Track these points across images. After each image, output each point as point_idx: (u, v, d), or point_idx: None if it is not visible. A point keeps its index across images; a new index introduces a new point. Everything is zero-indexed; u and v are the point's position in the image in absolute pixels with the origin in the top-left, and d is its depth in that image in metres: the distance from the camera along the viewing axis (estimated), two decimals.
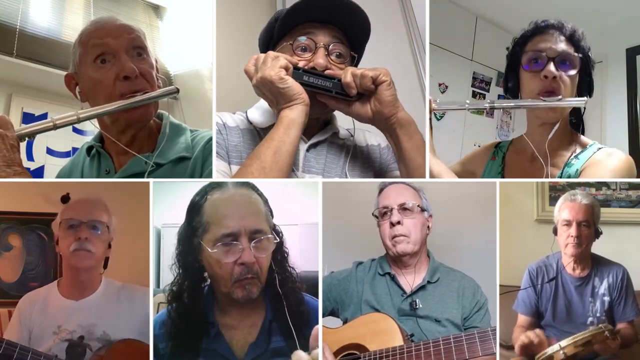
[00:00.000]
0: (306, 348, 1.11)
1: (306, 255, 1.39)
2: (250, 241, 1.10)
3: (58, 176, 1.51)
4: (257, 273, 1.11)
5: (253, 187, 1.17)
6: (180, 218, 1.19)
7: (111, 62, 1.27)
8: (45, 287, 1.37)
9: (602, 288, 1.44)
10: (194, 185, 1.21)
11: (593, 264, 1.46)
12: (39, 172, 2.54)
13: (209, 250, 1.11)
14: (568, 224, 1.43)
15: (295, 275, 1.19)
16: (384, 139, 1.32)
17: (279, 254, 1.18)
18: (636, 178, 1.33)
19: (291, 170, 1.23)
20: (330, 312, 1.43)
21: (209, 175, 1.25)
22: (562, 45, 1.31)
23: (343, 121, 1.36)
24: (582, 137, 1.37)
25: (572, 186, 1.58)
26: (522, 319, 1.47)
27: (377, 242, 1.45)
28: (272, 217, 1.18)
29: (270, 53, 1.18)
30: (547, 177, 1.33)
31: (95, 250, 1.32)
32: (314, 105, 1.20)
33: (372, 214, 1.43)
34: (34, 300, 1.33)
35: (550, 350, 1.27)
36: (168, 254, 1.21)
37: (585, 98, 1.30)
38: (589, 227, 1.43)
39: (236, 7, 2.39)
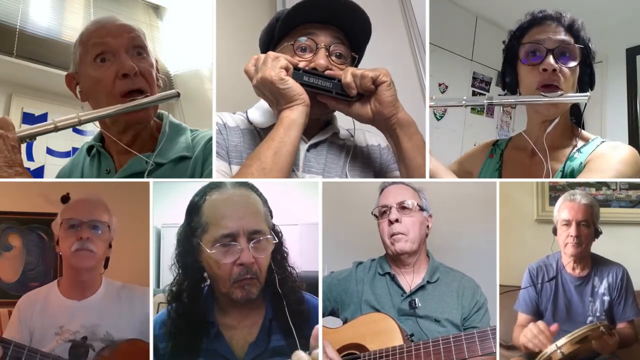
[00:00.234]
0: (306, 346, 1.11)
1: (306, 255, 1.39)
2: (249, 242, 1.11)
3: (58, 176, 1.51)
4: (256, 273, 1.11)
5: (252, 188, 1.17)
6: (180, 218, 1.19)
7: (111, 60, 1.28)
8: (44, 287, 1.37)
9: (602, 288, 1.44)
10: (194, 186, 1.21)
11: (593, 264, 1.46)
12: (39, 172, 2.54)
13: (208, 250, 1.11)
14: (567, 223, 1.43)
15: (295, 275, 1.19)
16: (384, 139, 1.32)
17: (279, 254, 1.18)
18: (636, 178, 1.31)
19: (291, 171, 1.23)
20: (330, 312, 1.43)
21: (209, 175, 1.25)
22: (560, 36, 1.27)
23: (343, 121, 1.36)
24: (583, 131, 1.34)
25: (572, 186, 1.58)
26: (523, 318, 1.47)
27: (377, 242, 1.46)
28: (272, 217, 1.18)
29: (271, 53, 1.18)
30: (547, 171, 1.30)
31: (96, 250, 1.32)
32: (314, 105, 1.20)
33: (372, 213, 1.43)
34: (34, 300, 1.33)
35: (548, 350, 1.27)
36: (168, 254, 1.21)
37: (588, 93, 1.27)
38: (588, 226, 1.43)
39: (236, 7, 2.39)
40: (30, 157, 2.50)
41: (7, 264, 1.65)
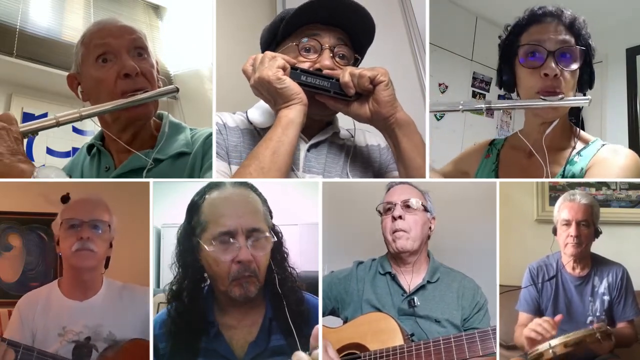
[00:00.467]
0: (306, 346, 1.11)
1: (306, 255, 1.39)
2: (247, 239, 1.11)
3: None
4: (255, 272, 1.11)
5: (252, 187, 1.17)
6: (180, 218, 1.19)
7: (112, 61, 1.29)
8: (45, 287, 1.36)
9: (602, 287, 1.44)
10: (194, 185, 1.22)
11: (593, 264, 1.46)
12: None
13: (207, 248, 1.11)
14: (567, 223, 1.43)
15: (295, 275, 1.19)
16: (383, 139, 1.33)
17: (279, 254, 1.18)
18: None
19: (291, 170, 1.23)
20: (330, 311, 1.43)
21: (209, 169, 1.25)
22: (561, 36, 1.22)
23: (343, 121, 1.36)
24: (582, 132, 1.32)
25: (572, 186, 1.57)
26: (524, 317, 1.47)
27: (377, 242, 1.46)
28: (271, 217, 1.18)
29: (268, 53, 1.18)
30: (546, 174, 1.29)
31: (97, 249, 1.32)
32: (312, 105, 1.20)
33: (376, 208, 1.44)
34: (35, 301, 1.33)
35: (540, 348, 1.27)
36: (168, 254, 1.22)
37: (589, 97, 1.24)
38: (588, 226, 1.43)
39: (236, 7, 2.39)
40: (30, 157, 2.47)
41: (7, 264, 1.65)
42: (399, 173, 1.28)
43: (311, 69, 1.21)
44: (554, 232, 1.47)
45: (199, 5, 2.73)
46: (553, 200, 1.70)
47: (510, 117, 2.57)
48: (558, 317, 1.30)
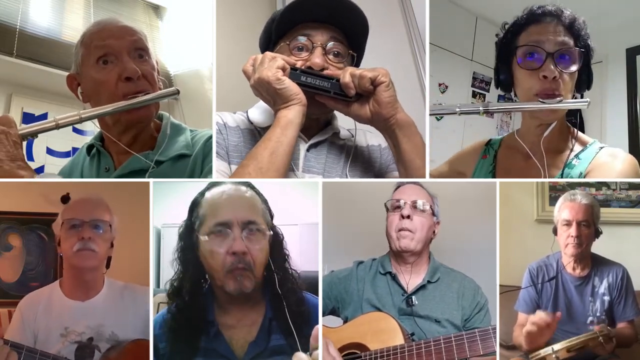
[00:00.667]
0: (306, 346, 1.11)
1: (306, 255, 1.39)
2: (243, 231, 1.12)
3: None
4: (249, 264, 1.11)
5: (251, 187, 1.18)
6: (180, 218, 1.20)
7: (113, 63, 1.28)
8: (46, 287, 1.36)
9: (602, 287, 1.44)
10: (194, 185, 1.22)
11: (593, 264, 1.46)
12: (38, 172, 2.53)
13: (203, 240, 1.13)
14: (568, 223, 1.43)
15: (296, 276, 1.19)
16: (384, 139, 1.32)
17: (279, 254, 1.18)
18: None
19: (290, 170, 1.23)
20: (330, 310, 1.43)
21: (209, 172, 1.25)
22: (561, 37, 1.20)
23: (344, 121, 1.36)
24: (580, 133, 1.31)
25: (572, 186, 1.57)
26: (523, 317, 1.46)
27: (378, 242, 1.46)
28: (272, 217, 1.19)
29: (268, 54, 1.18)
30: (544, 176, 1.28)
31: (98, 249, 1.32)
32: (312, 105, 1.20)
33: (385, 204, 1.43)
34: (37, 301, 1.33)
35: (543, 352, 1.27)
36: (168, 254, 1.22)
37: (587, 99, 1.23)
38: (588, 226, 1.43)
39: (236, 7, 2.39)
40: (30, 157, 2.50)
41: (7, 264, 1.65)
42: (399, 174, 1.28)
43: (303, 68, 1.21)
44: (554, 232, 1.47)
45: (199, 5, 2.73)
46: (553, 200, 1.70)
47: (510, 117, 2.57)
48: (558, 314, 1.30)
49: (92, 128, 1.41)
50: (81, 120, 1.26)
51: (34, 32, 2.59)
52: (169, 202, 1.50)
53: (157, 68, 1.36)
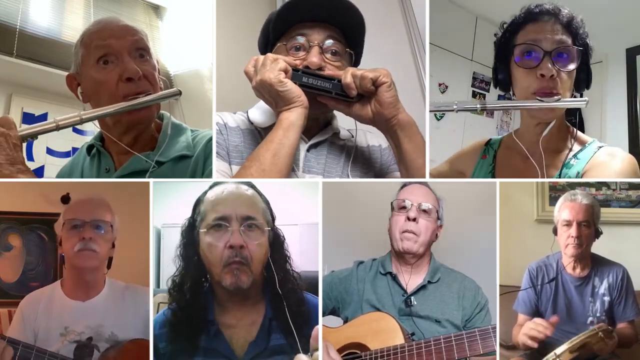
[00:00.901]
0: (307, 346, 1.11)
1: (306, 255, 1.40)
2: (241, 226, 1.13)
3: (58, 176, 1.51)
4: (247, 259, 1.12)
5: (253, 187, 1.19)
6: (180, 218, 1.21)
7: (114, 63, 1.27)
8: (47, 287, 1.37)
9: (602, 288, 1.44)
10: (194, 185, 1.22)
11: (593, 264, 1.46)
12: (39, 172, 2.54)
13: (202, 233, 1.14)
14: (568, 224, 1.43)
15: (297, 277, 1.20)
16: (385, 139, 1.32)
17: (280, 255, 1.19)
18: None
19: (291, 171, 1.23)
20: (330, 310, 1.43)
21: (210, 174, 1.25)
22: (558, 36, 1.20)
23: (344, 122, 1.36)
24: (579, 133, 1.30)
25: (572, 186, 1.57)
26: (522, 318, 1.47)
27: (378, 242, 1.46)
28: (273, 219, 1.20)
29: (270, 55, 1.18)
30: (542, 176, 1.28)
31: (99, 250, 1.32)
32: (314, 105, 1.20)
33: (391, 203, 1.43)
34: (38, 301, 1.33)
35: (547, 357, 1.26)
36: (168, 254, 1.22)
37: (586, 98, 1.22)
38: (589, 227, 1.42)
39: (236, 7, 2.39)
40: (30, 157, 2.50)
41: (7, 264, 1.65)
42: (400, 174, 1.28)
43: (301, 67, 1.21)
44: (555, 232, 1.47)
45: (199, 5, 2.73)
46: (553, 201, 1.70)
47: (511, 118, 2.57)
48: (554, 318, 1.30)
49: (93, 128, 1.40)
50: (81, 122, 1.25)
51: (34, 32, 2.59)
52: (169, 202, 1.50)
53: (158, 68, 1.35)
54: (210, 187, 1.19)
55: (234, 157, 1.26)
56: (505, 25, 1.30)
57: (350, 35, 1.28)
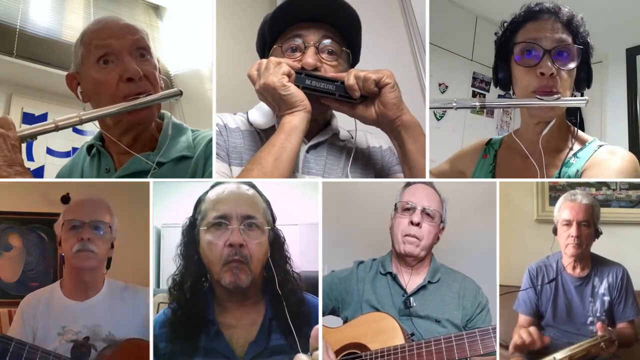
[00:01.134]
0: (306, 346, 1.11)
1: (306, 255, 1.40)
2: (241, 225, 1.14)
3: (58, 176, 1.51)
4: (246, 257, 1.12)
5: (254, 187, 1.20)
6: (180, 218, 1.21)
7: (114, 62, 1.26)
8: (47, 287, 1.37)
9: (602, 288, 1.44)
10: (194, 185, 1.23)
11: (593, 264, 1.46)
12: (39, 172, 2.54)
13: (203, 231, 1.15)
14: (568, 223, 1.43)
15: (297, 278, 1.20)
16: (385, 140, 1.32)
17: (280, 256, 1.19)
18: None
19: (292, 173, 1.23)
20: (330, 310, 1.43)
21: (210, 176, 1.25)
22: (558, 34, 1.20)
23: (345, 121, 1.36)
24: (579, 132, 1.30)
25: (572, 186, 1.57)
26: (523, 318, 1.47)
27: (378, 242, 1.46)
28: (274, 220, 1.20)
29: (273, 59, 1.18)
30: (542, 176, 1.27)
31: (97, 250, 1.32)
32: (317, 107, 1.20)
33: (395, 204, 1.42)
34: (37, 300, 1.33)
35: None
36: (168, 254, 1.22)
37: (586, 97, 1.22)
38: (589, 227, 1.42)
39: (236, 7, 2.39)
40: (30, 157, 2.50)
41: (7, 264, 1.65)
42: (403, 174, 1.28)
43: (308, 71, 1.21)
44: (554, 232, 1.47)
45: (199, 5, 2.73)
46: (553, 200, 1.70)
47: (510, 117, 2.57)
48: (547, 339, 1.31)
49: (93, 128, 1.40)
50: (81, 122, 1.24)
51: (34, 32, 2.59)
52: (169, 203, 1.50)
53: (158, 67, 1.34)
54: (212, 187, 1.20)
55: (234, 158, 1.26)
56: (505, 24, 1.30)
57: (346, 34, 1.27)
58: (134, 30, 1.31)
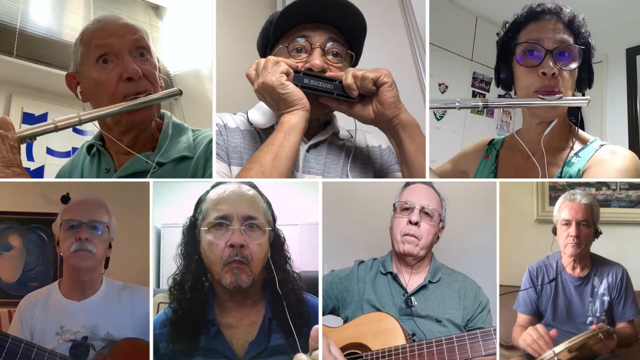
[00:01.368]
0: (307, 345, 1.11)
1: (306, 255, 1.40)
2: (242, 225, 1.13)
3: (58, 175, 1.51)
4: (247, 258, 1.12)
5: (255, 187, 1.20)
6: (180, 218, 1.21)
7: (114, 62, 1.26)
8: (45, 287, 1.37)
9: (602, 288, 1.44)
10: (194, 185, 1.23)
11: (592, 264, 1.46)
12: (39, 172, 2.54)
13: (204, 232, 1.14)
14: (567, 223, 1.43)
15: (297, 278, 1.20)
16: (384, 140, 1.32)
17: (281, 256, 1.19)
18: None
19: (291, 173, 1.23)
20: (331, 310, 1.43)
21: (210, 177, 1.25)
22: (560, 35, 1.21)
23: (345, 121, 1.36)
24: (581, 131, 1.30)
25: (572, 186, 1.57)
26: (522, 318, 1.47)
27: (378, 242, 1.46)
28: (274, 220, 1.20)
29: (271, 58, 1.18)
30: (543, 176, 1.28)
31: (95, 250, 1.32)
32: (315, 106, 1.20)
33: (393, 204, 1.42)
34: (35, 301, 1.33)
35: (546, 356, 1.26)
36: (168, 254, 1.22)
37: (588, 97, 1.22)
38: (588, 226, 1.42)
39: (236, 7, 2.40)
40: (30, 157, 2.50)
41: (7, 264, 1.65)
42: (402, 174, 1.28)
43: (303, 69, 1.21)
44: (554, 232, 1.47)
45: (199, 5, 2.73)
46: (553, 200, 1.70)
47: (510, 117, 2.57)
48: (553, 333, 1.30)
49: (93, 128, 1.40)
50: (80, 122, 1.24)
51: (34, 32, 2.59)
52: (169, 202, 1.50)
53: (158, 66, 1.34)
54: (213, 187, 1.19)
55: (234, 158, 1.26)
56: (507, 24, 1.30)
57: (352, 38, 1.28)
58: (133, 29, 1.30)
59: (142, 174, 1.30)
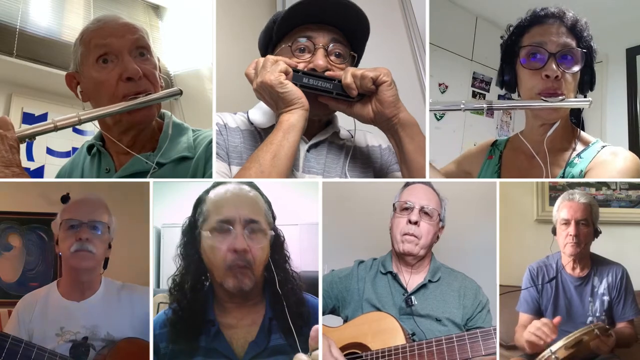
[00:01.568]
0: (307, 345, 1.11)
1: (306, 255, 1.40)
2: (245, 229, 1.13)
3: (58, 175, 1.51)
4: (250, 262, 1.12)
5: (255, 187, 1.19)
6: (180, 218, 1.20)
7: (114, 62, 1.26)
8: (44, 288, 1.36)
9: (602, 287, 1.44)
10: (194, 185, 1.22)
11: (592, 264, 1.46)
12: (39, 172, 2.54)
13: (205, 236, 1.13)
14: (567, 222, 1.43)
15: (297, 277, 1.20)
16: (384, 140, 1.32)
17: (280, 256, 1.18)
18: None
19: (290, 172, 1.23)
20: (331, 309, 1.43)
21: (211, 177, 1.25)
22: (563, 38, 1.23)
23: (345, 121, 1.36)
24: (583, 133, 1.32)
25: (572, 186, 1.57)
26: (525, 318, 1.47)
27: (378, 242, 1.45)
28: (274, 219, 1.19)
29: (270, 57, 1.18)
30: (547, 175, 1.29)
31: (95, 250, 1.31)
32: (315, 106, 1.20)
33: (393, 204, 1.42)
34: (33, 302, 1.33)
35: (544, 354, 1.26)
36: (168, 254, 1.22)
37: (589, 99, 1.24)
38: (587, 225, 1.43)
39: (236, 7, 2.40)
40: (30, 157, 2.50)
41: (7, 264, 1.65)
42: (401, 174, 1.28)
43: (306, 69, 1.21)
44: (554, 232, 1.47)
45: (199, 5, 2.73)
46: (553, 200, 1.70)
47: (510, 118, 2.57)
48: (557, 319, 1.30)
49: (93, 128, 1.40)
50: (80, 122, 1.24)
51: (34, 32, 2.59)
52: (169, 202, 1.50)
53: (158, 66, 1.34)
54: (212, 187, 1.18)
55: (234, 157, 1.26)
56: (511, 28, 1.32)
57: (354, 39, 1.28)
58: (133, 29, 1.30)
59: (143, 174, 1.30)
